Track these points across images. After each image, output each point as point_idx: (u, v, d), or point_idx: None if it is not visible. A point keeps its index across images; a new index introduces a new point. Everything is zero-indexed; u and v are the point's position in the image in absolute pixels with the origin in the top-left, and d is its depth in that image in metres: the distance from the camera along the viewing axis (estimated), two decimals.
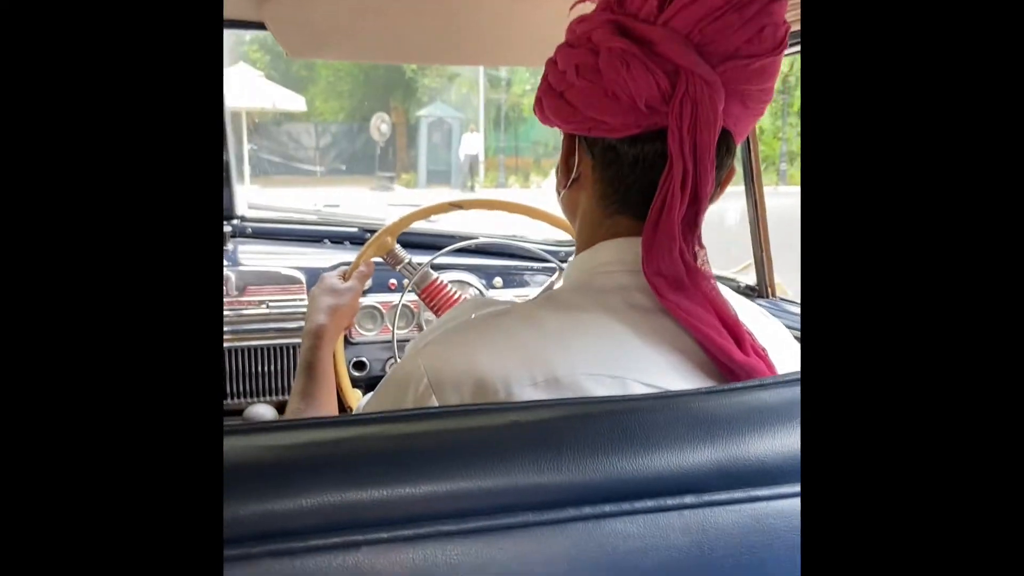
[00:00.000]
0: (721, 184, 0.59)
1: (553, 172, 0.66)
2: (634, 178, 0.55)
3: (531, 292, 1.54)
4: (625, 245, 0.56)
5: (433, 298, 1.14)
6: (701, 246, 0.53)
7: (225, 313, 1.36)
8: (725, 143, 0.55)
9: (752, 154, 1.27)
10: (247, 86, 9.86)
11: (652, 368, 0.50)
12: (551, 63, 0.57)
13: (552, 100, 0.56)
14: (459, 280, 1.47)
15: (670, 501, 0.38)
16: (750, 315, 0.57)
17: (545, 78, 0.57)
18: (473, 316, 0.55)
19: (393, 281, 1.46)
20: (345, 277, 1.05)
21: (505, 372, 0.49)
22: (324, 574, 0.34)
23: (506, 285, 1.53)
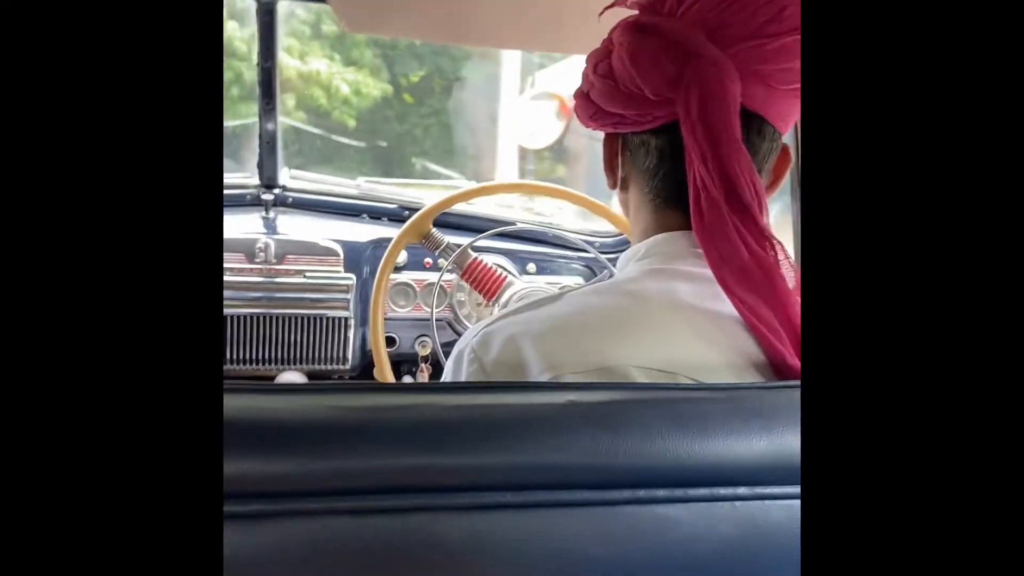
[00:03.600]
0: (774, 171, 0.59)
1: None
2: (668, 169, 0.56)
3: (564, 280, 1.54)
4: (678, 239, 0.56)
5: (474, 277, 1.14)
6: (772, 240, 0.51)
7: (261, 280, 1.38)
8: (756, 127, 0.54)
9: (799, 156, 1.25)
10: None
11: (706, 366, 0.50)
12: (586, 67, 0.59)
13: (579, 100, 0.58)
14: (493, 263, 1.48)
15: (723, 491, 0.39)
16: None
17: (581, 81, 0.59)
18: (527, 303, 0.55)
19: (428, 260, 1.47)
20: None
21: (556, 360, 0.49)
22: (389, 533, 0.35)
23: (539, 272, 1.53)
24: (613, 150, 0.60)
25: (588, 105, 0.57)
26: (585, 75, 0.57)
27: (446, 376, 0.56)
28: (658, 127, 0.54)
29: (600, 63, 0.55)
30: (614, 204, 1.29)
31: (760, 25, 0.50)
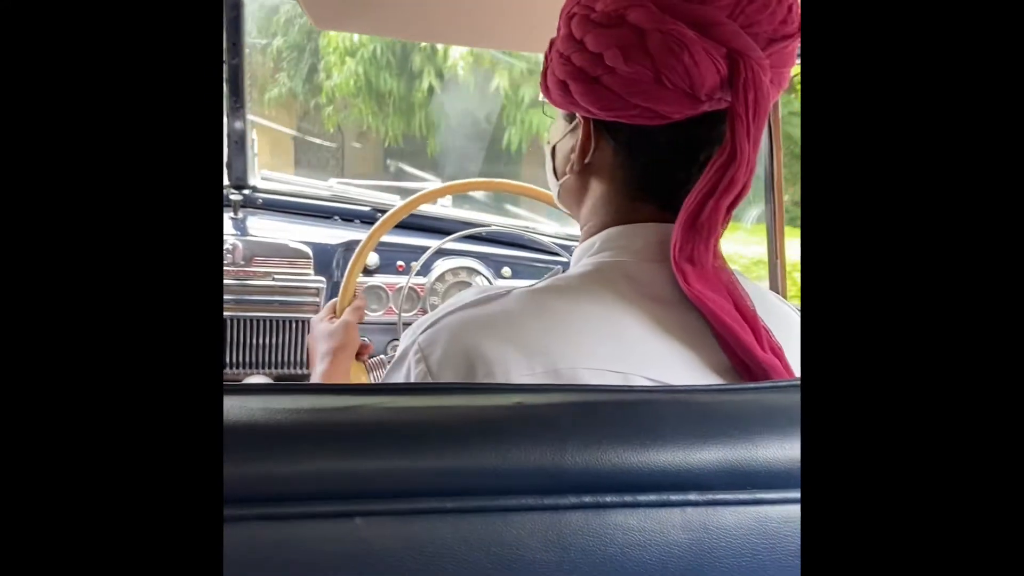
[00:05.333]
0: None
1: (548, 152, 0.63)
2: (667, 164, 0.54)
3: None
4: (648, 231, 0.55)
5: None
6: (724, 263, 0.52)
7: (229, 283, 1.35)
8: None
9: (775, 159, 1.25)
10: None
11: (661, 363, 0.49)
12: (572, 42, 0.52)
13: (583, 85, 0.51)
14: (466, 267, 1.46)
15: (673, 497, 0.37)
16: (765, 303, 0.56)
17: (565, 60, 0.52)
18: (473, 299, 0.52)
19: (400, 263, 1.45)
20: (336, 313, 1.03)
21: (504, 360, 0.47)
22: (318, 541, 0.33)
23: (515, 275, 1.51)
24: (587, 135, 0.56)
25: (598, 92, 0.51)
26: (594, 57, 0.50)
27: (389, 376, 0.54)
28: (673, 122, 0.51)
29: (629, 47, 0.49)
30: None
31: (777, 25, 0.49)
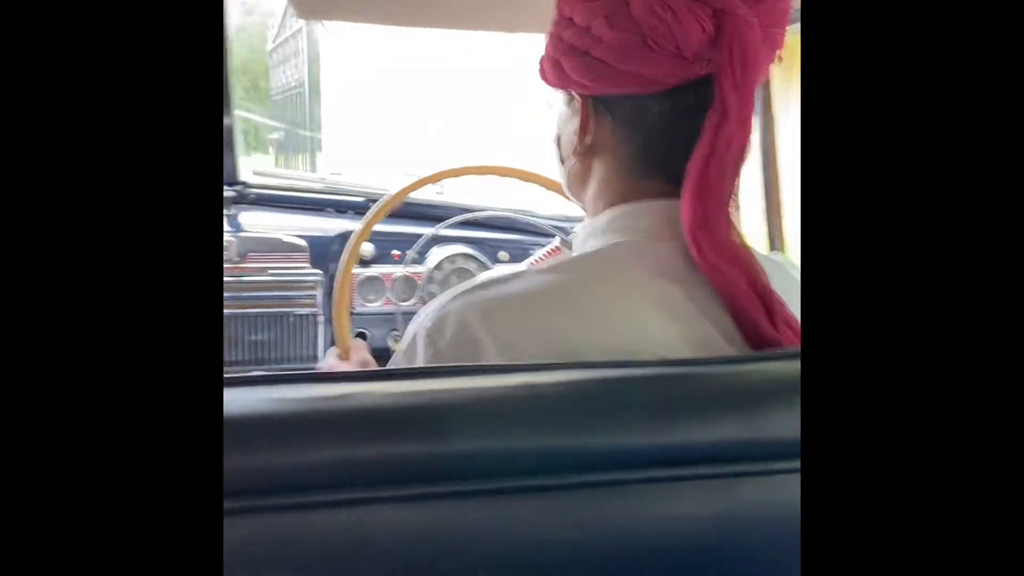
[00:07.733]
0: None
1: (554, 142, 0.63)
2: (666, 135, 0.53)
3: None
4: (653, 208, 0.54)
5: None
6: (737, 206, 0.51)
7: (225, 280, 1.34)
8: None
9: (769, 134, 1.24)
10: None
11: (671, 340, 0.48)
12: (563, 20, 0.53)
13: (574, 60, 0.52)
14: (463, 253, 1.45)
15: (691, 471, 0.37)
16: (780, 276, 0.54)
17: (557, 39, 0.54)
18: (479, 282, 0.52)
19: (396, 252, 1.44)
20: (344, 355, 0.99)
21: (513, 343, 0.47)
22: (330, 529, 0.32)
23: (512, 260, 1.50)
24: (585, 113, 0.56)
25: (589, 65, 0.51)
26: (582, 31, 0.51)
27: (398, 361, 0.53)
28: (667, 90, 0.51)
29: (614, 15, 0.49)
30: None
31: None
